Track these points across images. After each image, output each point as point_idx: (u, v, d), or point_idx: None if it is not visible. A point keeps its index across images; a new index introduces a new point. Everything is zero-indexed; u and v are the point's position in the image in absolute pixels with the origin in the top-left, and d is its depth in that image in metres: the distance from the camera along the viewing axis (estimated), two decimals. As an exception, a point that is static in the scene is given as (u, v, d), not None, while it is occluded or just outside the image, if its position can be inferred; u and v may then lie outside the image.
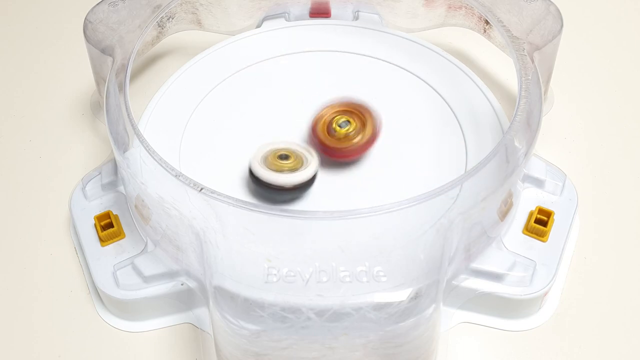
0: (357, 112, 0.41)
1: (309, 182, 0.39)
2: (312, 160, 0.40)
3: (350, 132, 0.41)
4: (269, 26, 0.49)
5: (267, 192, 0.39)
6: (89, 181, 0.42)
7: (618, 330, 0.39)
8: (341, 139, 0.40)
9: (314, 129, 0.41)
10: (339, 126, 0.41)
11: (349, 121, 0.41)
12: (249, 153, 0.42)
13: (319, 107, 0.42)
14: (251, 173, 0.39)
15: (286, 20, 0.50)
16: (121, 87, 0.40)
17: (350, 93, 0.43)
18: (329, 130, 0.41)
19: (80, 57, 0.49)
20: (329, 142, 0.41)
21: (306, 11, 0.50)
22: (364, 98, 0.42)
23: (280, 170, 0.39)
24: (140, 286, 0.38)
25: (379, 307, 0.33)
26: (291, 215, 0.34)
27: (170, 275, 0.38)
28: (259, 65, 0.47)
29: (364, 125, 0.41)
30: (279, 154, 0.40)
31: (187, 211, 0.35)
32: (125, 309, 0.39)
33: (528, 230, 0.40)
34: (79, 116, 0.49)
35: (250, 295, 0.33)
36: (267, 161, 0.39)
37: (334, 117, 0.41)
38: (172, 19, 0.48)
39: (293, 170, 0.39)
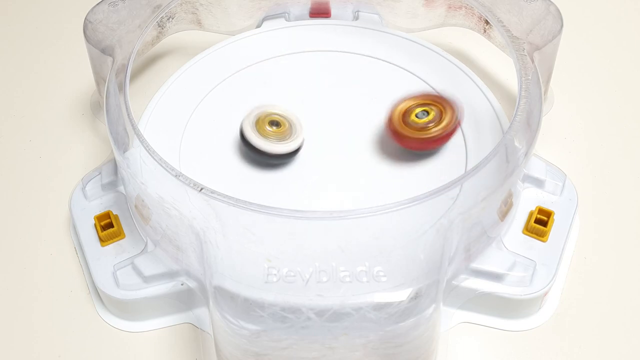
0: (437, 104, 0.41)
1: (292, 154, 0.41)
2: (300, 132, 0.41)
3: (429, 122, 0.40)
4: (269, 26, 0.49)
5: (253, 153, 0.41)
6: (89, 181, 0.42)
7: (618, 330, 0.39)
8: (419, 129, 0.40)
9: (390, 120, 0.41)
10: (417, 116, 0.41)
11: (427, 112, 0.41)
12: (249, 153, 0.42)
13: (396, 100, 0.42)
14: (241, 133, 0.41)
15: (286, 20, 0.49)
16: (121, 87, 0.40)
17: (422, 87, 0.44)
18: (405, 120, 0.41)
19: (80, 57, 0.49)
20: (406, 131, 0.40)
21: (306, 11, 0.50)
22: (439, 91, 0.43)
23: (265, 137, 0.40)
24: (140, 286, 0.38)
25: (379, 307, 0.33)
26: (291, 215, 0.34)
27: (170, 275, 0.38)
28: (259, 65, 0.47)
29: (442, 115, 0.41)
30: (270, 119, 0.41)
31: (187, 211, 0.35)
32: (125, 309, 0.39)
33: (528, 230, 0.40)
34: (79, 116, 0.49)
35: (250, 295, 0.33)
36: (257, 124, 0.41)
37: (412, 108, 0.41)
38: (172, 19, 0.48)
39: (280, 139, 0.41)
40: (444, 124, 0.40)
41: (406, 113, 0.41)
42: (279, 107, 0.42)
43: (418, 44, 0.48)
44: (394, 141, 0.41)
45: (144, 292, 0.38)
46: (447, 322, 0.39)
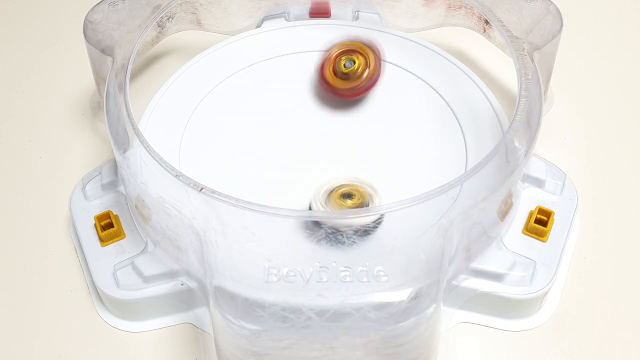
0: (359, 50, 0.43)
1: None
2: (377, 197, 0.37)
3: (357, 70, 0.43)
4: (269, 26, 0.49)
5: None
6: (89, 181, 0.42)
7: (618, 330, 0.39)
8: (349, 79, 0.43)
9: (322, 74, 0.44)
10: (345, 66, 0.43)
11: (353, 60, 0.43)
12: (249, 153, 0.42)
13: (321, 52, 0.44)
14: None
15: (286, 20, 0.49)
16: (121, 87, 0.40)
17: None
18: (336, 72, 0.43)
19: (80, 57, 0.49)
20: (339, 84, 0.43)
21: (306, 11, 0.50)
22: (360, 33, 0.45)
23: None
24: (140, 286, 0.38)
25: (380, 306, 0.33)
26: (291, 215, 0.34)
27: (170, 275, 0.38)
28: (259, 65, 0.47)
29: (367, 61, 0.43)
30: (342, 192, 0.37)
31: (188, 211, 0.35)
32: (125, 309, 0.39)
33: (528, 230, 0.40)
34: (79, 116, 0.49)
35: (250, 295, 0.33)
36: (329, 199, 0.37)
37: (338, 59, 0.43)
38: (172, 19, 0.48)
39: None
40: (370, 69, 0.43)
41: (334, 63, 0.43)
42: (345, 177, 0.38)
43: (418, 44, 0.48)
44: (327, 93, 0.44)
45: (144, 292, 0.38)
46: (447, 322, 0.39)
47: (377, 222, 0.35)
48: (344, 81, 0.43)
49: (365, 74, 0.43)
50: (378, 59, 0.43)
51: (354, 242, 0.35)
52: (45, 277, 0.41)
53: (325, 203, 0.37)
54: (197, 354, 0.38)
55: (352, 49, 0.43)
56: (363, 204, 0.37)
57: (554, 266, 0.39)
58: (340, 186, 0.37)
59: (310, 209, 0.37)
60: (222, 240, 0.34)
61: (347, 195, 0.37)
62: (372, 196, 0.37)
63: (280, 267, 0.34)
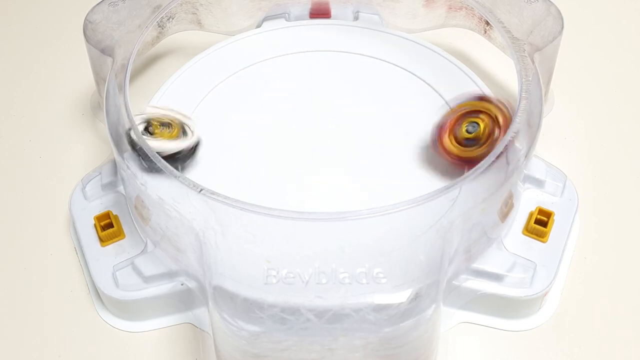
0: (484, 110, 0.38)
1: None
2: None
3: (482, 133, 0.37)
4: (269, 26, 0.49)
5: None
6: (89, 181, 0.42)
7: (618, 330, 0.39)
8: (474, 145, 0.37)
9: (441, 143, 0.38)
10: (467, 131, 0.37)
11: (477, 123, 0.37)
12: (249, 153, 0.42)
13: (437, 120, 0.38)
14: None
15: (286, 21, 0.49)
16: (121, 87, 0.40)
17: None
18: (457, 139, 0.37)
19: (80, 57, 0.49)
20: (463, 153, 0.37)
21: (306, 11, 0.50)
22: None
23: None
24: (140, 286, 0.38)
25: (379, 308, 0.33)
26: (291, 216, 0.34)
27: (170, 275, 0.38)
28: (259, 65, 0.47)
29: (492, 119, 0.37)
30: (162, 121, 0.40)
31: (187, 212, 0.35)
32: (125, 309, 0.39)
33: (528, 231, 0.40)
34: (79, 116, 0.49)
35: (249, 296, 0.33)
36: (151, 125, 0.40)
37: (459, 124, 0.38)
38: (172, 19, 0.48)
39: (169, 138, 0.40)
40: (495, 135, 0.37)
41: (455, 127, 0.38)
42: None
43: (418, 45, 0.47)
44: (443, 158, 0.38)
45: (144, 293, 0.38)
46: (447, 322, 0.39)
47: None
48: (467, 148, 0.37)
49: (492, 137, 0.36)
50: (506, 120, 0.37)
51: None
52: (45, 277, 0.41)
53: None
54: (197, 354, 0.38)
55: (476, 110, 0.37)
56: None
57: (554, 267, 0.38)
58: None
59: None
60: (222, 241, 0.34)
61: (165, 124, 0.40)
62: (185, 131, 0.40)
63: (279, 268, 0.34)
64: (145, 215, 0.38)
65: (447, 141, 0.38)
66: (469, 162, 0.37)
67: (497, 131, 0.37)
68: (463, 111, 0.38)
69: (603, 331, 0.39)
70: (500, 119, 0.37)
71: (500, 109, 0.37)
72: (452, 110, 0.38)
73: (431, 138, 0.39)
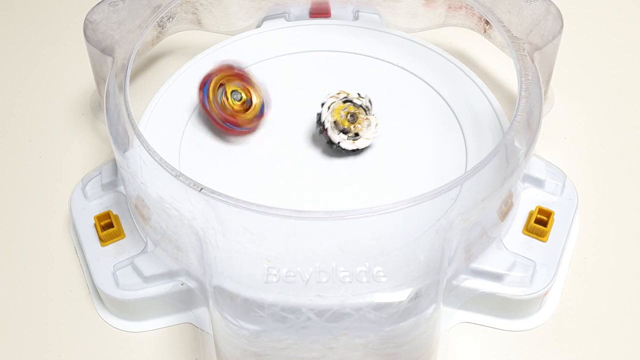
0: (246, 85, 0.42)
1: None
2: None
3: (242, 105, 0.42)
4: (269, 26, 0.49)
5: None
6: (89, 181, 0.42)
7: (618, 330, 0.39)
8: (236, 112, 0.42)
9: (208, 105, 0.42)
10: (232, 96, 0.42)
11: (239, 92, 0.42)
12: (249, 153, 0.42)
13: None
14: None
15: (286, 20, 0.49)
16: (121, 87, 0.40)
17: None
18: (220, 103, 0.42)
19: (80, 57, 0.49)
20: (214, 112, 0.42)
21: (306, 11, 0.50)
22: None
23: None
24: (140, 286, 0.38)
25: (379, 307, 0.33)
26: (291, 215, 0.34)
27: (170, 275, 0.38)
28: (259, 65, 0.47)
29: (251, 101, 0.42)
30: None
31: (187, 211, 0.35)
32: (125, 309, 0.39)
33: (528, 230, 0.40)
34: (79, 116, 0.49)
35: (250, 296, 0.33)
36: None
37: (222, 88, 0.42)
38: (172, 19, 0.48)
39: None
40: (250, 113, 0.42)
41: (221, 88, 0.42)
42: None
43: (418, 44, 0.48)
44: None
45: (144, 292, 0.38)
46: (447, 322, 0.39)
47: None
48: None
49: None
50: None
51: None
52: (45, 277, 0.41)
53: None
54: (197, 354, 0.38)
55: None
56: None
57: (554, 266, 0.39)
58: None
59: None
60: (222, 240, 0.34)
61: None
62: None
63: (279, 267, 0.34)
64: (145, 214, 0.38)
65: (215, 106, 0.42)
66: (237, 125, 0.42)
67: (254, 96, 0.42)
68: (224, 78, 0.42)
69: (603, 331, 0.39)
70: (250, 87, 0.42)
71: (243, 77, 0.42)
72: (212, 73, 0.42)
73: (200, 94, 0.42)
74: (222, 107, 0.42)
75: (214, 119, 0.42)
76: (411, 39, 0.48)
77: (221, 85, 0.42)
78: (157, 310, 0.39)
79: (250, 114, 0.42)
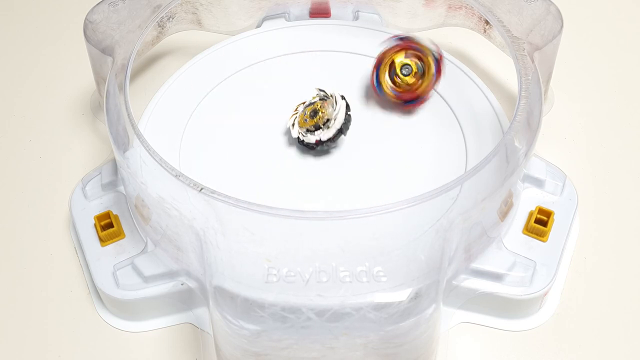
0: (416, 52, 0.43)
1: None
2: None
3: (415, 77, 0.42)
4: (269, 26, 0.49)
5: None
6: (89, 181, 0.42)
7: (618, 330, 0.39)
8: (408, 86, 0.43)
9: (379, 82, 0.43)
10: (403, 74, 0.42)
11: (409, 65, 0.42)
12: (249, 153, 0.42)
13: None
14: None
15: (286, 20, 0.50)
16: (121, 87, 0.40)
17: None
18: (394, 84, 0.43)
19: (80, 57, 0.49)
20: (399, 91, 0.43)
21: (306, 11, 0.50)
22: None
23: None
24: (140, 286, 0.38)
25: (379, 307, 0.33)
26: (291, 215, 0.34)
27: (170, 275, 0.38)
28: (259, 65, 0.47)
29: (424, 67, 0.42)
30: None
31: (187, 211, 0.35)
32: (125, 309, 0.39)
33: (528, 230, 0.40)
34: (79, 116, 0.49)
35: (250, 296, 0.33)
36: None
37: (393, 64, 0.43)
38: (172, 19, 0.48)
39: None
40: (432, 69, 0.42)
41: (391, 68, 0.43)
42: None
43: (418, 44, 0.48)
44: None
45: (144, 292, 0.38)
46: (447, 322, 0.39)
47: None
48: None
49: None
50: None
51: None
52: (45, 277, 0.41)
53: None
54: (197, 354, 0.38)
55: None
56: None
57: (554, 266, 0.39)
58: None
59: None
60: (222, 240, 0.34)
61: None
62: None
63: (279, 267, 0.34)
64: (145, 214, 0.38)
65: (387, 85, 0.43)
66: (415, 100, 0.43)
67: (432, 64, 0.42)
68: (391, 56, 0.43)
69: (603, 331, 0.39)
70: (428, 55, 0.42)
71: (421, 45, 0.43)
72: (380, 57, 0.43)
73: (372, 83, 0.44)
74: (398, 86, 0.42)
75: (395, 103, 0.43)
76: (411, 39, 0.48)
77: (391, 65, 0.42)
78: (157, 310, 0.39)
79: (426, 80, 0.42)
